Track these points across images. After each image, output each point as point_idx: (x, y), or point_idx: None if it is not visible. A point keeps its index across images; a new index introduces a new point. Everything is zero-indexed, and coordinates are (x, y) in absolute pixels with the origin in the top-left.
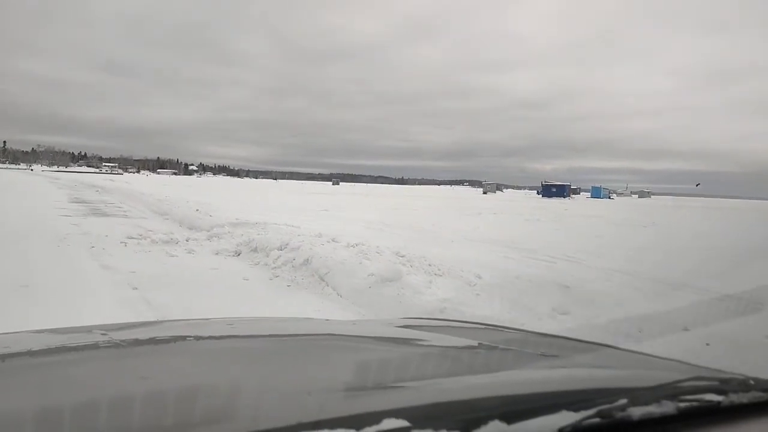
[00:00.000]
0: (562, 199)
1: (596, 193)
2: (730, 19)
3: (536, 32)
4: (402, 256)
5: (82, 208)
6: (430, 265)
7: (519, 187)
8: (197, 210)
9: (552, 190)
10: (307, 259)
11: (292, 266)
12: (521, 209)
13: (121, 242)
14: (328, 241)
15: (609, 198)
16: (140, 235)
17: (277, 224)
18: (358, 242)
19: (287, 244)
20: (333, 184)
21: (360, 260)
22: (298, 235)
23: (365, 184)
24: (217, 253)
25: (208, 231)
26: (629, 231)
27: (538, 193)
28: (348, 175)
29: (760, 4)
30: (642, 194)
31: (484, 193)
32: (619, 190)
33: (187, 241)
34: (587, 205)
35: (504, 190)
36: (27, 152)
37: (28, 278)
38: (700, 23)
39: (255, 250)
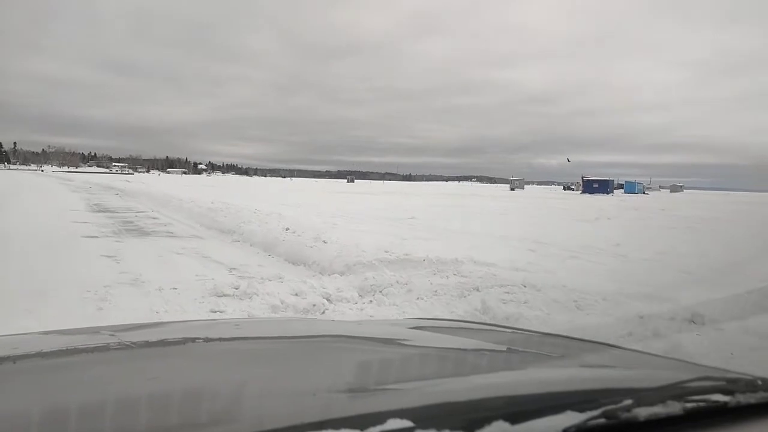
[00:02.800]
0: (606, 196)
1: (630, 188)
2: (741, 12)
3: (544, 26)
4: None
5: (109, 221)
6: None
7: (527, 183)
8: (287, 229)
9: (594, 187)
10: None
11: None
12: (609, 211)
13: (214, 311)
14: None
15: (644, 193)
16: (235, 288)
17: (475, 260)
18: None
19: None
20: (348, 182)
21: None
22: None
23: (383, 181)
24: None
25: (344, 275)
26: None
27: (564, 189)
28: (355, 172)
29: None
30: (674, 188)
31: (512, 189)
32: (646, 185)
33: (328, 300)
34: (651, 201)
35: (521, 187)
36: (37, 153)
37: None
38: (710, 16)
39: None
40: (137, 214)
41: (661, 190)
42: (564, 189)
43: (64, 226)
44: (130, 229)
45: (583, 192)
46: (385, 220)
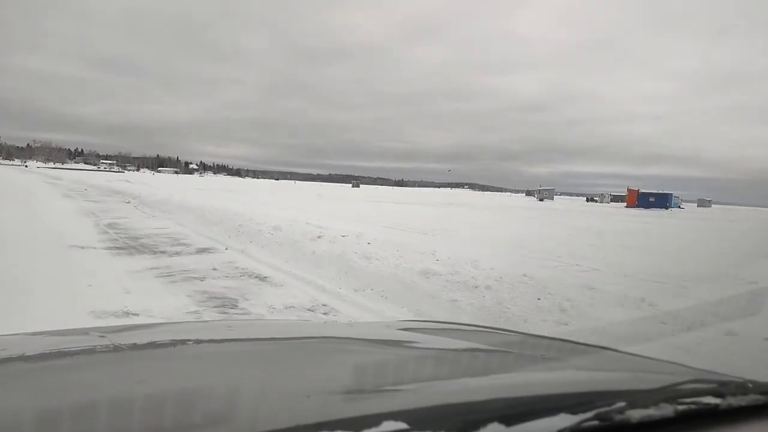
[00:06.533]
0: (664, 212)
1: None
2: (731, 24)
3: (537, 35)
4: None
5: (184, 300)
6: None
7: (516, 191)
8: None
9: (650, 200)
10: None
11: None
12: None
13: None
14: None
15: (680, 207)
16: None
17: None
18: None
19: None
20: (353, 187)
21: None
22: None
23: (391, 187)
24: None
25: None
26: None
27: (587, 201)
28: (347, 176)
29: (761, 9)
30: (702, 203)
31: (540, 200)
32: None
33: None
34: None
35: (550, 198)
36: (22, 148)
37: None
38: (701, 28)
39: None
40: (214, 262)
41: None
42: (587, 201)
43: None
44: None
45: (638, 206)
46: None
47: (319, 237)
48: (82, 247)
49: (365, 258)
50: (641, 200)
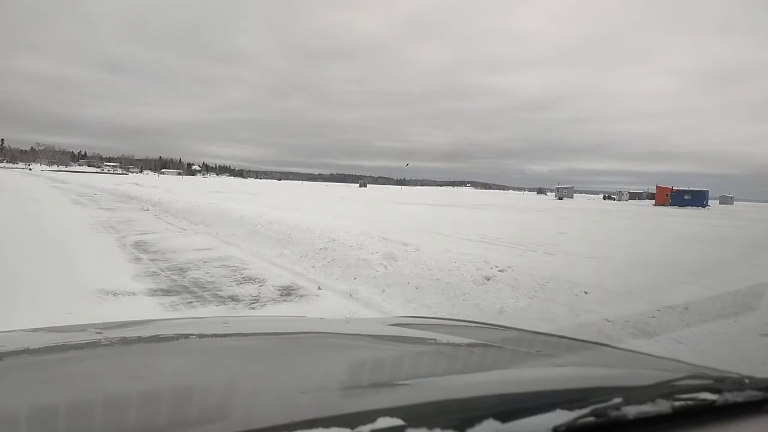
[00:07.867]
0: (704, 210)
1: None
2: (733, 21)
3: (538, 33)
4: None
5: None
6: None
7: (520, 189)
8: None
9: (685, 198)
10: None
11: None
12: None
13: None
14: None
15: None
16: None
17: None
18: None
19: None
20: (360, 186)
21: None
22: None
23: (400, 186)
24: None
25: None
26: None
27: (604, 198)
28: (348, 175)
29: (763, 5)
30: (724, 200)
31: (560, 198)
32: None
33: None
34: None
35: (569, 196)
36: (26, 151)
37: None
38: (703, 25)
39: None
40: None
41: None
42: (604, 198)
43: None
44: None
45: (673, 204)
46: None
47: (487, 279)
48: (115, 294)
49: (636, 328)
50: (675, 198)
